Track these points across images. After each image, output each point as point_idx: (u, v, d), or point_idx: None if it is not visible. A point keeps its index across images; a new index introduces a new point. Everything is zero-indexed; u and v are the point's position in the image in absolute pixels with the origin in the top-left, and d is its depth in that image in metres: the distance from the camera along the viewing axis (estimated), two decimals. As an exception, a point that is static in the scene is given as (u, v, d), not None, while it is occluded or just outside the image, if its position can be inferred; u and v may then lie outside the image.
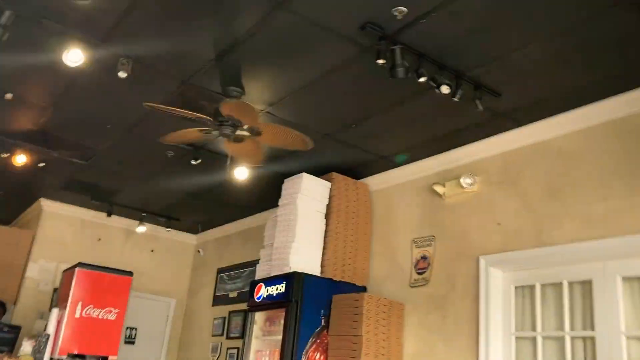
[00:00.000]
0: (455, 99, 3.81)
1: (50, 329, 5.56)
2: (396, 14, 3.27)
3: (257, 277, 5.64)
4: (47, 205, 7.69)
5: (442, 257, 4.87)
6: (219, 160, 5.45)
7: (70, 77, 4.33)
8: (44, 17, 3.60)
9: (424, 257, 5.07)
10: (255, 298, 5.45)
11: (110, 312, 5.96)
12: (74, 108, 4.92)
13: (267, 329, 5.49)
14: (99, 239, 8.03)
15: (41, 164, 5.81)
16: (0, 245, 7.39)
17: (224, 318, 7.42)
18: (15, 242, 7.51)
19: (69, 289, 5.81)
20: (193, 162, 5.33)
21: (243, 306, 7.07)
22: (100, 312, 5.89)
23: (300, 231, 5.32)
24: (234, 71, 4.13)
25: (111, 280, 6.03)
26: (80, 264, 5.86)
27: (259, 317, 5.55)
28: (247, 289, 7.01)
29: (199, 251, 8.60)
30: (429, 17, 3.29)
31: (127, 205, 7.58)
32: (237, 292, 7.35)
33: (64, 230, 7.78)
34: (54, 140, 5.62)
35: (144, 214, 7.75)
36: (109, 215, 7.53)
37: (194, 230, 8.64)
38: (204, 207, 7.40)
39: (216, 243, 8.30)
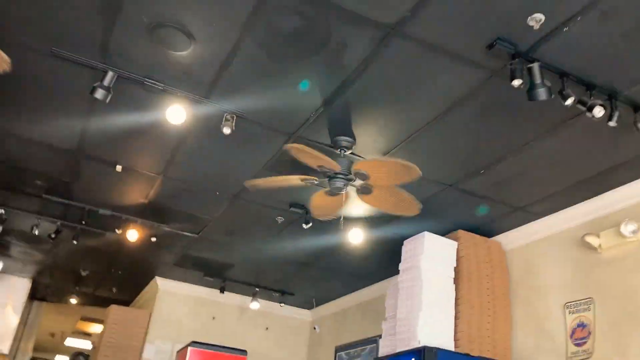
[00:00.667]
0: (612, 124, 3.13)
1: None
2: (532, 24, 2.74)
3: (380, 354, 4.98)
4: (163, 284, 7.60)
5: (606, 324, 3.98)
6: (331, 223, 5.02)
7: (176, 140, 4.17)
8: (146, 77, 3.46)
9: (581, 325, 4.19)
10: (381, 377, 4.77)
11: None
12: (181, 176, 4.77)
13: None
14: (213, 318, 7.77)
15: (153, 239, 5.69)
16: (120, 326, 7.34)
17: (348, 402, 6.72)
18: (133, 322, 7.42)
19: (183, 370, 5.48)
20: (305, 226, 4.93)
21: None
22: (209, 391, 5.48)
23: (427, 299, 4.65)
24: (344, 118, 3.74)
25: (225, 359, 5.65)
26: (193, 343, 5.55)
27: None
28: (370, 369, 6.34)
29: (314, 328, 8.06)
30: (574, 23, 2.72)
31: (239, 280, 7.31)
32: (362, 374, 6.67)
33: (179, 309, 7.62)
34: (165, 213, 5.50)
35: (257, 289, 7.43)
36: (222, 291, 7.27)
37: (308, 306, 8.16)
38: (318, 278, 6.93)
39: (332, 318, 7.73)
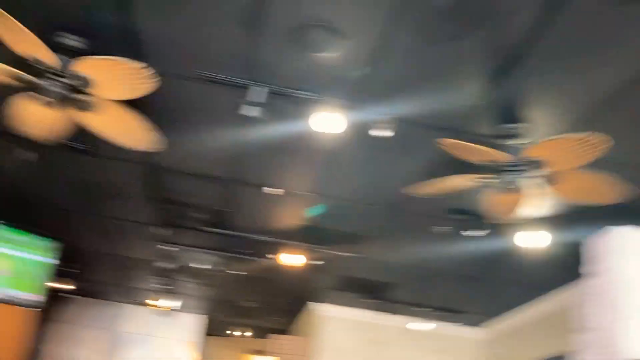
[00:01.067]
0: None
1: None
2: None
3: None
4: (320, 310, 7.49)
5: None
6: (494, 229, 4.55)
7: (329, 153, 4.00)
8: (295, 89, 3.33)
9: None
10: (585, 399, 4.12)
11: None
12: (335, 192, 4.60)
13: None
14: (380, 342, 7.48)
15: (318, 262, 5.59)
16: (283, 356, 7.33)
17: None
18: (295, 350, 7.38)
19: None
20: (469, 233, 4.50)
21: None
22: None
23: (630, 304, 3.96)
24: (510, 102, 3.32)
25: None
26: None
27: None
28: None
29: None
30: None
31: (404, 300, 6.97)
32: (550, 394, 5.95)
33: (342, 336, 7.44)
34: (324, 233, 5.36)
35: (426, 309, 7.03)
36: (392, 313, 6.97)
37: (475, 322, 7.56)
38: (487, 292, 6.38)
39: (506, 337, 7.07)
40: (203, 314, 8.88)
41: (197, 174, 4.55)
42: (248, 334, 9.79)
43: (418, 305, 7.00)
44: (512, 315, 6.91)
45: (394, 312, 7.11)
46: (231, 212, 5.14)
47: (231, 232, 5.49)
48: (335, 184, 4.46)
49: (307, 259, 5.65)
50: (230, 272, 6.04)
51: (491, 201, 3.71)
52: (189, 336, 8.85)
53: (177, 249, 5.92)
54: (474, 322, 7.51)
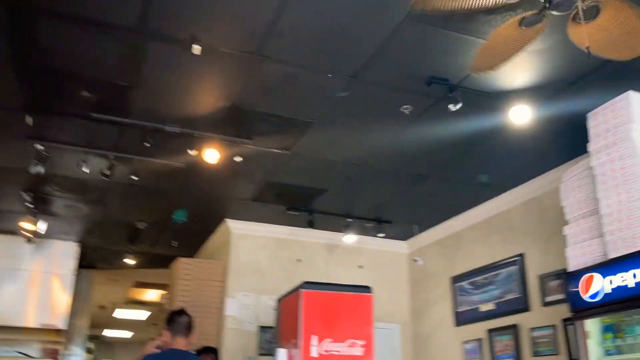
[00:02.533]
0: None
1: (284, 375, 4.07)
2: None
3: (572, 267, 3.72)
4: (236, 227, 6.39)
5: None
6: (483, 105, 3.70)
7: (285, -16, 2.82)
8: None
9: None
10: (586, 297, 3.51)
11: (355, 345, 4.36)
12: (283, 52, 3.43)
13: (613, 344, 3.50)
14: (298, 260, 6.57)
15: (238, 158, 4.40)
16: (192, 282, 6.18)
17: (480, 340, 5.52)
18: (206, 276, 6.25)
19: (296, 320, 4.30)
20: (452, 108, 3.59)
21: (508, 320, 5.17)
22: (343, 347, 4.31)
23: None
24: None
25: (348, 302, 4.45)
26: (305, 284, 4.35)
27: (594, 326, 3.58)
28: (508, 297, 5.14)
29: (415, 260, 6.84)
30: None
31: (329, 211, 6.06)
32: (494, 303, 5.44)
33: (258, 255, 6.43)
34: (251, 122, 4.20)
35: (350, 220, 6.18)
36: (311, 225, 6.02)
37: (402, 236, 6.92)
38: (426, 198, 5.65)
39: (439, 246, 6.49)
40: (80, 241, 7.36)
41: (85, 20, 3.14)
42: (141, 265, 8.38)
43: (347, 215, 6.14)
44: (444, 226, 6.30)
45: (316, 227, 6.16)
46: (132, 90, 3.79)
47: (127, 120, 4.14)
48: (284, 41, 3.29)
49: (230, 156, 4.47)
50: (123, 180, 4.69)
51: (496, 39, 2.76)
52: (65, 268, 7.34)
53: (53, 146, 4.45)
54: (399, 236, 6.85)
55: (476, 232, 5.88)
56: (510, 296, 5.23)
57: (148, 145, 4.14)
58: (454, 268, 6.14)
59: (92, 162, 4.63)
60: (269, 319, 6.17)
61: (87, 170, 4.54)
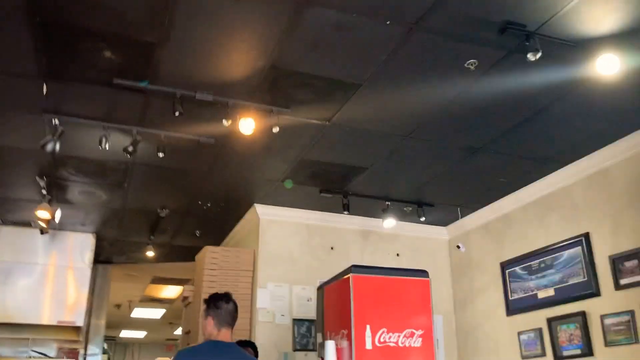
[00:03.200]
0: None
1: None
2: None
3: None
4: (265, 213, 5.92)
5: None
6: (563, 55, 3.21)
7: None
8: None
9: None
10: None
11: (413, 335, 3.90)
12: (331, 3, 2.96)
13: None
14: (332, 248, 6.10)
15: (276, 129, 3.92)
16: (219, 272, 5.72)
17: (539, 330, 5.02)
18: (234, 265, 5.79)
19: (344, 309, 3.83)
20: (531, 57, 3.10)
21: (574, 307, 4.68)
22: (400, 337, 3.85)
23: None
24: None
25: (403, 287, 3.98)
26: (355, 268, 3.88)
27: None
28: (571, 281, 4.66)
29: (458, 246, 6.35)
30: None
31: (365, 193, 5.58)
32: (554, 289, 4.94)
33: (289, 243, 5.96)
34: (291, 88, 3.73)
35: (388, 203, 5.70)
36: (346, 209, 5.54)
37: (443, 221, 6.43)
38: (474, 176, 5.15)
39: (485, 230, 5.99)
40: (96, 232, 6.93)
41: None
42: (160, 259, 7.94)
43: (386, 198, 5.66)
44: (493, 208, 5.79)
45: (351, 211, 5.68)
46: (155, 47, 3.33)
47: (154, 87, 3.68)
48: (338, -22, 2.81)
49: (259, 127, 3.99)
50: (146, 159, 4.23)
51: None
52: (81, 262, 6.92)
53: (71, 120, 4.01)
54: (444, 220, 6.35)
55: (529, 213, 5.38)
56: (574, 280, 4.73)
57: (178, 114, 3.67)
58: (504, 253, 5.64)
59: (114, 138, 4.18)
60: (304, 311, 5.73)
61: (107, 147, 4.08)
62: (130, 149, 4.17)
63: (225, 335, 3.05)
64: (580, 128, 4.21)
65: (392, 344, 3.76)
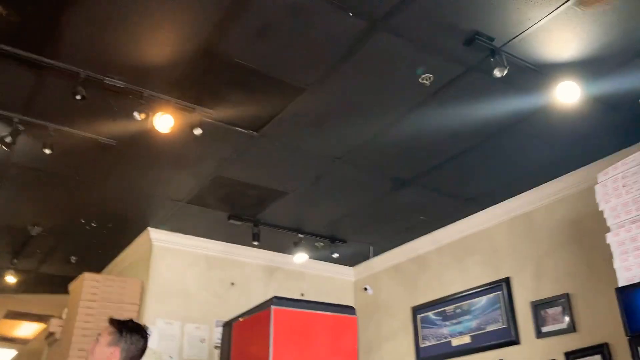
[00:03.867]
0: None
1: None
2: None
3: (625, 280, 3.05)
4: (159, 239, 5.19)
5: None
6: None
7: None
8: None
9: None
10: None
11: None
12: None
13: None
14: (232, 283, 5.48)
15: (197, 131, 3.35)
16: (99, 305, 4.86)
17: (451, 379, 4.74)
18: (117, 297, 4.96)
19: (259, 347, 3.29)
20: (498, 73, 2.87)
21: (491, 356, 4.48)
22: (323, 383, 3.34)
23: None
24: None
25: (329, 325, 3.52)
26: (277, 299, 3.37)
27: (656, 354, 2.92)
28: (489, 328, 4.46)
29: (365, 288, 6.00)
30: None
31: (277, 224, 5.09)
32: (470, 336, 4.70)
33: (185, 275, 5.25)
34: (221, 85, 3.22)
35: (301, 236, 5.24)
36: (256, 238, 4.98)
37: (350, 261, 6.07)
38: (393, 212, 4.86)
39: (396, 272, 5.70)
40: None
41: None
42: (21, 289, 6.74)
43: (297, 230, 5.20)
44: (410, 247, 5.53)
45: (254, 244, 5.13)
46: (60, 17, 2.70)
47: (51, 61, 2.99)
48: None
49: (178, 126, 3.41)
50: (25, 159, 3.45)
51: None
52: None
53: None
54: (351, 259, 5.98)
55: (445, 255, 5.18)
56: (492, 327, 4.52)
57: (80, 97, 2.99)
58: (416, 297, 5.36)
59: (-10, 126, 3.38)
60: (196, 354, 5.02)
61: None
62: (9, 139, 3.39)
63: (131, 378, 2.39)
64: (516, 164, 4.09)
65: (316, 392, 3.24)
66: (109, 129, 3.56)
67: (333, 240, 5.40)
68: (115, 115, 3.40)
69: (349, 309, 3.58)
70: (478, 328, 4.64)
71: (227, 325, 3.77)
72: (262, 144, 3.79)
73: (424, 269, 5.38)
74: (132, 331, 2.46)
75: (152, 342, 4.83)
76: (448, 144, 3.81)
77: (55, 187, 4.37)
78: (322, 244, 5.44)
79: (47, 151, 3.47)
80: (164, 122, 3.22)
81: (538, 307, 4.23)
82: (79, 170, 4.13)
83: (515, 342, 4.32)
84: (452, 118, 3.50)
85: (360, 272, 6.12)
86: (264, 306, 3.39)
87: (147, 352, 4.81)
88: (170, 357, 4.89)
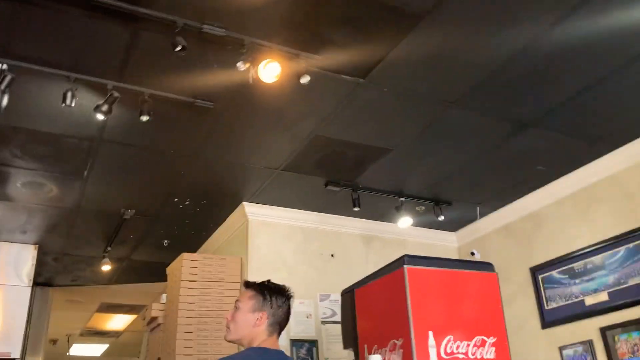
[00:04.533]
0: None
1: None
2: None
3: None
4: (255, 213, 4.95)
5: None
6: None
7: None
8: None
9: None
10: None
11: (485, 344, 3.06)
12: None
13: None
14: (332, 255, 5.18)
15: (304, 79, 3.03)
16: (200, 285, 4.66)
17: (589, 342, 4.26)
18: (217, 276, 4.75)
19: (400, 311, 2.96)
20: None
21: (634, 313, 3.97)
22: (470, 346, 2.99)
23: None
24: None
25: (469, 284, 3.15)
26: (409, 258, 3.02)
27: None
28: (631, 282, 3.95)
29: (472, 253, 5.56)
30: None
31: (376, 188, 4.74)
32: (607, 293, 4.21)
33: (282, 249, 4.99)
34: (325, 30, 2.88)
35: (402, 199, 4.87)
36: (356, 205, 4.65)
37: (453, 226, 5.65)
38: (508, 163, 4.41)
39: (506, 233, 5.25)
40: (38, 243, 5.71)
41: None
42: (114, 280, 6.72)
43: (399, 194, 4.83)
44: (517, 206, 5.05)
45: (354, 210, 4.80)
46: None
47: (144, 11, 2.73)
48: None
49: (291, 79, 3.10)
50: (141, 119, 3.22)
51: None
52: (19, 280, 5.66)
53: (23, 66, 2.97)
54: (455, 224, 5.57)
55: (566, 208, 4.68)
56: (636, 280, 4.02)
57: (180, 48, 2.72)
58: (534, 257, 4.89)
59: (81, 96, 3.17)
60: (302, 330, 4.77)
61: (72, 104, 3.06)
62: (105, 107, 3.17)
63: (275, 344, 2.15)
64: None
65: (460, 356, 2.89)
66: (207, 88, 3.28)
67: (437, 202, 5.00)
68: (213, 70, 3.12)
69: (487, 266, 3.19)
70: (617, 283, 4.14)
71: (348, 293, 3.45)
72: (368, 92, 3.43)
73: (540, 226, 4.90)
74: (275, 293, 2.20)
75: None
76: (583, 69, 3.31)
77: (148, 164, 4.18)
78: (423, 207, 5.05)
79: (145, 118, 3.23)
80: (270, 70, 2.91)
81: (693, 253, 3.71)
82: (174, 142, 3.90)
83: (666, 295, 3.82)
84: (592, 34, 3.00)
85: (465, 236, 5.70)
86: (393, 267, 3.06)
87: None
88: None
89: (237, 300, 2.29)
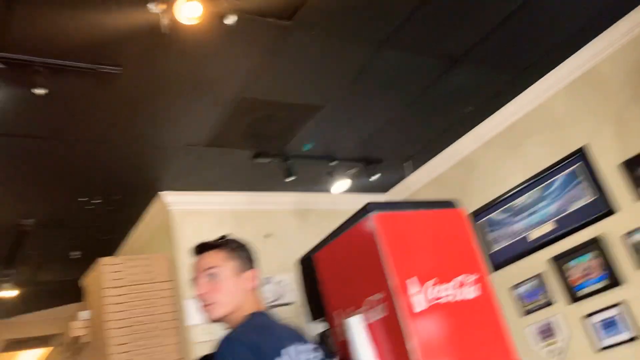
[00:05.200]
0: None
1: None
2: None
3: None
4: (177, 202, 4.46)
5: None
6: None
7: None
8: None
9: None
10: None
11: (465, 283, 2.87)
12: None
13: None
14: (266, 236, 4.81)
15: (229, 20, 2.64)
16: (127, 290, 4.12)
17: (539, 276, 4.24)
18: (146, 276, 4.23)
19: (373, 263, 2.70)
20: None
21: (583, 236, 4.01)
22: (453, 288, 2.79)
23: None
24: None
25: (438, 223, 2.94)
26: (372, 205, 2.76)
27: None
28: (574, 206, 3.99)
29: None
30: None
31: (306, 154, 4.44)
32: (552, 222, 4.20)
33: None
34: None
35: (333, 164, 4.60)
36: (290, 174, 4.31)
37: (385, 188, 5.49)
38: (441, 105, 4.27)
39: (438, 184, 5.16)
40: None
41: None
42: (10, 308, 5.87)
43: (330, 157, 4.56)
44: (453, 150, 4.96)
45: (284, 187, 4.48)
46: None
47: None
48: None
49: (213, 11, 2.69)
50: (33, 92, 2.66)
51: None
52: None
53: None
54: (385, 183, 5.38)
55: (496, 148, 4.64)
56: (578, 204, 4.03)
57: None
58: (470, 202, 4.81)
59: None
60: (250, 319, 4.35)
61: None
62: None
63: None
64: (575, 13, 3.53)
65: (445, 299, 2.66)
66: (112, 46, 2.79)
67: (368, 162, 4.79)
68: (118, 23, 2.64)
69: (447, 203, 2.98)
70: (560, 211, 4.14)
71: (305, 261, 3.12)
72: (296, 38, 3.09)
73: (472, 170, 4.84)
74: (244, 244, 1.90)
75: (197, 318, 4.19)
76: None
77: (45, 157, 3.57)
78: (355, 169, 4.82)
79: (39, 91, 2.69)
80: (191, 9, 2.49)
81: (630, 166, 3.75)
82: (75, 127, 3.34)
83: (611, 211, 3.84)
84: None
85: (396, 194, 5.54)
86: (356, 218, 2.76)
87: (196, 329, 4.20)
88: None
89: (208, 268, 1.90)
